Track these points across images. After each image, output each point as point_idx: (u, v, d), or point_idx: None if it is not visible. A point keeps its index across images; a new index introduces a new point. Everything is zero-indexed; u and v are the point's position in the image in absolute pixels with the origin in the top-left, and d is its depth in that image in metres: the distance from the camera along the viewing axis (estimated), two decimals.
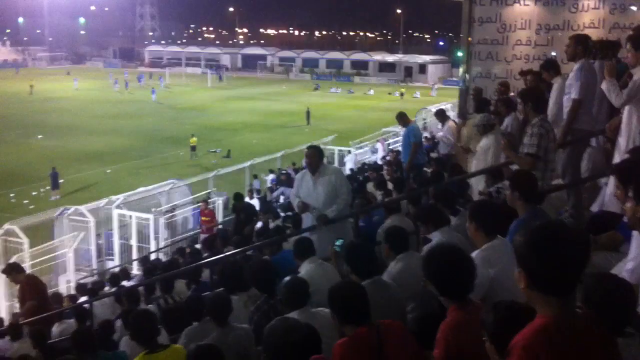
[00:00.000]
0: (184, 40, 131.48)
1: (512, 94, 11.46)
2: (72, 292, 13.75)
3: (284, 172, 24.95)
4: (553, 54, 12.96)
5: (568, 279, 2.45)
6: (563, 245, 2.41)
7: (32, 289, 9.89)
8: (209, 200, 19.34)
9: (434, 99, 55.93)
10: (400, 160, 14.51)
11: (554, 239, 2.44)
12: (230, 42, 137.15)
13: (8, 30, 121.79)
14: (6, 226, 15.98)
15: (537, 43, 13.56)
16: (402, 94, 71.85)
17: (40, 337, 7.98)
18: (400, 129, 17.51)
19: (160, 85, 75.63)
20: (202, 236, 16.25)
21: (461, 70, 14.75)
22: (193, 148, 36.31)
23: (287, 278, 5.38)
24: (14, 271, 10.23)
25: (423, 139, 27.25)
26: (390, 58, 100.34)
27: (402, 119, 13.08)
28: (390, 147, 29.02)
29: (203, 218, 17.94)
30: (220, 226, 17.20)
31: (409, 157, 12.26)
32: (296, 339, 3.42)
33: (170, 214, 18.48)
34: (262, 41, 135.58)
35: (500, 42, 13.96)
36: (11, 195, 27.69)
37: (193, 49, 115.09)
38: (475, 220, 4.64)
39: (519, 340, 2.45)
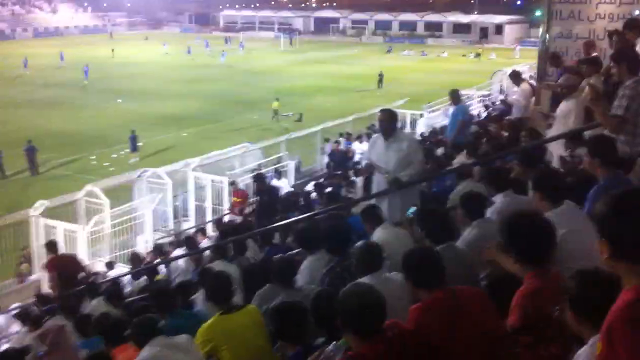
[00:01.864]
0: (257, 4, 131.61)
1: (595, 54, 10.98)
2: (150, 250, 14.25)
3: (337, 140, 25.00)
4: (637, 12, 12.31)
5: None
6: None
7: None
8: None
9: (512, 61, 54.26)
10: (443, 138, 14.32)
11: (639, 205, 2.31)
12: (303, 5, 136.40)
13: None
14: (87, 187, 16.54)
15: (622, 1, 12.87)
16: (478, 55, 70.18)
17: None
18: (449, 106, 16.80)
19: (240, 50, 76.57)
20: (231, 217, 15.76)
21: (540, 30, 14.17)
22: (275, 112, 36.66)
23: (360, 242, 5.39)
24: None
25: (497, 103, 26.68)
26: (465, 19, 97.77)
27: (454, 97, 13.00)
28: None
29: (234, 199, 17.18)
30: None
31: (454, 133, 12.11)
32: (370, 303, 3.42)
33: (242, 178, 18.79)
34: (334, 3, 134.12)
35: (583, 1, 13.34)
36: (92, 157, 28.74)
37: (266, 12, 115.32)
38: (539, 190, 4.52)
39: (619, 316, 2.34)
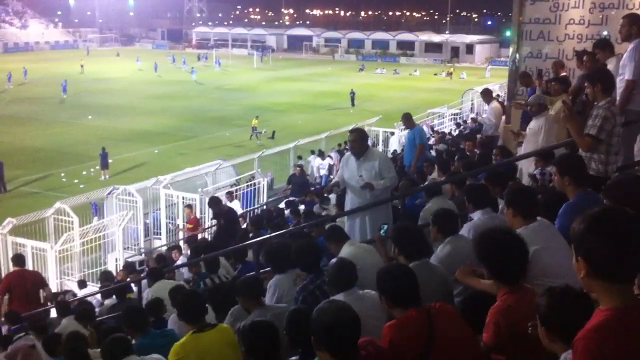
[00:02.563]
0: (230, 22, 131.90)
1: (564, 73, 11.17)
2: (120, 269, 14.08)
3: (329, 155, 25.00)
4: (605, 33, 12.55)
5: (632, 265, 2.34)
6: (627, 229, 2.32)
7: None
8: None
9: (483, 80, 55.04)
10: (403, 164, 13.81)
11: (617, 223, 2.34)
12: (276, 22, 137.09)
13: (59, 12, 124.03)
14: (57, 205, 16.36)
15: (590, 22, 13.11)
16: (450, 74, 71.01)
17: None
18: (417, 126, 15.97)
19: (217, 67, 76.87)
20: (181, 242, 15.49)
21: (511, 50, 14.38)
22: (254, 129, 36.60)
23: (334, 259, 5.38)
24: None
25: (469, 121, 27.00)
26: (436, 38, 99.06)
27: (407, 121, 12.82)
28: (435, 128, 28.74)
29: (188, 225, 16.42)
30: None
31: (415, 159, 11.91)
32: (345, 321, 3.40)
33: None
34: (307, 22, 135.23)
35: (552, 22, 13.55)
36: (62, 174, 28.37)
37: (239, 30, 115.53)
38: (512, 206, 4.56)
39: (584, 335, 2.36)
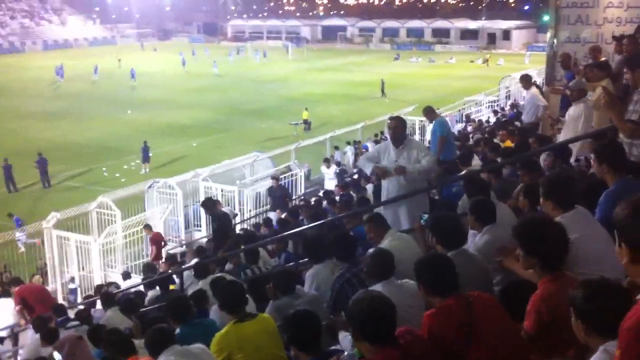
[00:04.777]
0: (265, 14, 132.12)
1: (603, 58, 10.96)
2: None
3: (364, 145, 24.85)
4: None
5: None
6: None
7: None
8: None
9: (520, 66, 54.20)
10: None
11: None
12: (311, 13, 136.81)
13: (97, 8, 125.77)
14: (100, 199, 16.69)
15: (629, 5, 12.84)
16: (486, 61, 70.10)
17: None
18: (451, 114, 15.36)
19: (256, 59, 77.24)
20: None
21: (548, 35, 14.15)
22: (306, 122, 36.71)
23: (372, 250, 5.42)
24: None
25: (507, 109, 26.65)
26: (472, 25, 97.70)
27: (429, 114, 12.67)
28: (472, 117, 28.43)
29: (153, 246, 15.81)
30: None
31: (437, 151, 11.72)
32: (382, 311, 3.43)
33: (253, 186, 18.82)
34: (341, 11, 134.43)
35: (590, 5, 13.31)
36: (104, 168, 28.88)
37: (274, 21, 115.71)
38: (550, 197, 4.50)
39: (631, 324, 2.35)
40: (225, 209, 14.46)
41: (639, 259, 2.36)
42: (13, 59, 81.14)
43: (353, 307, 3.52)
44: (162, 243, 15.93)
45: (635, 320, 2.35)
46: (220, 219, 12.23)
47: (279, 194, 18.11)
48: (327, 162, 22.44)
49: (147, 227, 15.98)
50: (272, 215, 15.77)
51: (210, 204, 12.63)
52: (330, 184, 20.55)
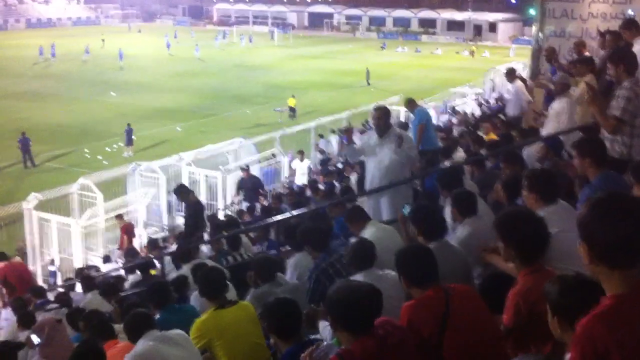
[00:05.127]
0: None
1: (587, 53, 11.04)
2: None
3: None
4: (630, 12, 12.39)
5: (634, 250, 2.31)
6: (629, 214, 2.31)
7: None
8: None
9: (506, 59, 54.34)
10: None
11: (619, 208, 2.33)
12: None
13: None
14: (81, 180, 16.55)
15: (615, 1, 12.96)
16: (472, 52, 70.23)
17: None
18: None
19: (242, 44, 76.75)
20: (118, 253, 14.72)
21: (534, 28, 14.23)
22: (291, 109, 36.50)
23: (354, 239, 5.44)
24: None
25: (491, 101, 26.74)
26: (459, 16, 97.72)
27: (410, 105, 12.79)
28: (457, 108, 28.49)
29: (124, 236, 15.60)
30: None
31: (417, 140, 11.74)
32: (361, 300, 3.44)
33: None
34: None
35: (576, 0, 13.42)
36: (86, 151, 28.64)
37: (260, 6, 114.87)
38: (532, 189, 4.55)
39: (586, 321, 2.37)
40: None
41: (598, 259, 2.37)
42: None
43: (332, 296, 3.52)
44: (133, 234, 15.76)
45: (589, 317, 2.38)
46: (192, 208, 11.81)
47: (250, 185, 17.53)
48: (302, 154, 20.71)
49: (119, 216, 15.81)
50: (244, 207, 15.53)
51: (183, 191, 12.10)
52: (302, 179, 19.43)
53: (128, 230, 15.60)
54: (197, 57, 61.90)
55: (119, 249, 15.29)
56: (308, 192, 14.84)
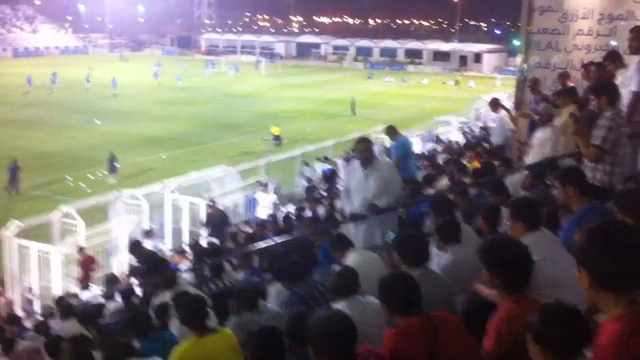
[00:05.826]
0: (239, 29, 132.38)
1: (571, 84, 11.16)
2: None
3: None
4: (614, 43, 12.55)
5: (638, 275, 2.35)
6: (630, 241, 2.34)
7: None
8: None
9: (491, 89, 54.93)
10: None
11: (619, 235, 2.36)
12: (285, 30, 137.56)
13: (70, 18, 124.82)
14: (62, 208, 16.46)
15: (599, 33, 13.11)
16: (457, 82, 70.99)
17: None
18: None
19: (230, 73, 77.25)
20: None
21: (519, 59, 14.39)
22: (276, 137, 36.57)
23: (337, 266, 5.39)
24: None
25: (476, 130, 26.91)
26: (445, 47, 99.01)
27: (391, 132, 12.69)
28: (442, 137, 28.64)
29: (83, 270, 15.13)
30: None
31: None
32: (340, 328, 3.42)
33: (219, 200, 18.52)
34: (316, 29, 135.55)
35: (560, 32, 13.56)
36: (70, 178, 28.45)
37: (248, 36, 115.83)
38: (516, 217, 4.56)
39: (607, 344, 2.37)
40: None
41: (600, 286, 2.38)
42: None
43: (312, 326, 3.49)
44: (93, 267, 15.28)
45: (608, 337, 2.37)
46: (147, 260, 11.58)
47: (217, 221, 16.78)
48: (265, 187, 19.75)
49: (80, 250, 15.28)
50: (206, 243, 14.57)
51: (135, 248, 12.14)
52: (263, 212, 18.48)
53: (86, 264, 15.09)
54: (180, 86, 62.03)
55: (81, 282, 14.82)
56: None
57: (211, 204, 17.52)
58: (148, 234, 11.95)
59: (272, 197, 19.42)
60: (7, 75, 67.49)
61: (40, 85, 58.45)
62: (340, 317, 3.53)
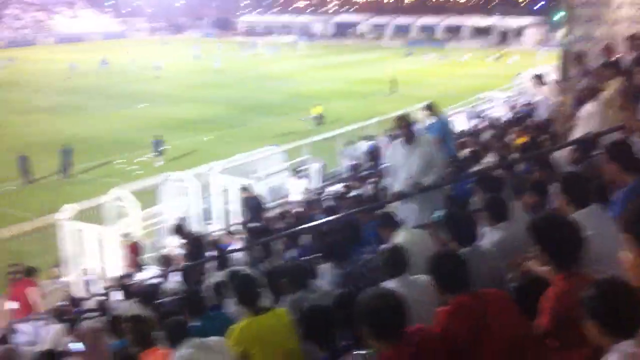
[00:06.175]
0: (276, 9, 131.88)
1: (615, 56, 10.97)
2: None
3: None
4: None
5: None
6: None
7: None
8: None
9: (534, 63, 53.90)
10: None
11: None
12: (322, 9, 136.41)
13: (109, 2, 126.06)
14: (115, 190, 16.81)
15: None
16: (498, 58, 69.80)
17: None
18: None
19: (267, 54, 77.33)
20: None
21: (561, 33, 14.15)
22: (317, 117, 36.63)
23: (385, 245, 5.48)
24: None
25: (519, 106, 26.51)
26: (484, 22, 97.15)
27: (430, 111, 12.44)
28: (485, 113, 28.36)
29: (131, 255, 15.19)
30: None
31: None
32: (389, 307, 3.47)
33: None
34: (353, 8, 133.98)
35: (604, 3, 13.32)
36: (117, 162, 29.06)
37: (285, 17, 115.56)
38: (566, 193, 4.55)
39: None
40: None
41: None
42: (25, 52, 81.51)
43: (361, 304, 3.54)
44: (138, 252, 15.42)
45: None
46: (192, 242, 11.73)
47: (252, 205, 16.84)
48: (297, 174, 19.44)
49: (126, 235, 15.51)
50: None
51: (180, 228, 12.46)
52: (298, 199, 18.07)
53: (133, 250, 15.37)
54: (218, 68, 62.42)
55: (128, 267, 14.91)
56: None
57: (245, 187, 17.58)
58: (179, 229, 12.18)
59: (303, 183, 19.32)
60: (49, 61, 68.86)
61: (83, 70, 59.45)
62: (390, 295, 3.57)
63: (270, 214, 15.80)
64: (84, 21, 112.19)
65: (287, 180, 19.67)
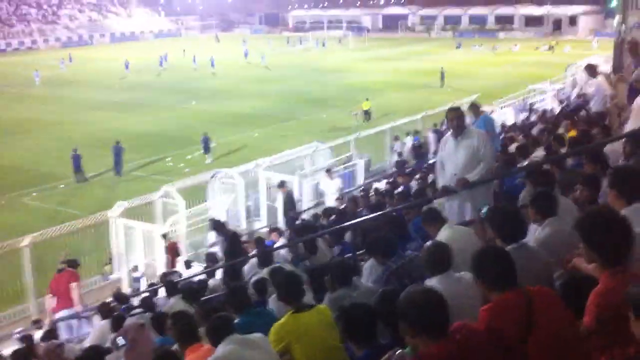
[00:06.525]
0: (326, 4, 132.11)
1: None
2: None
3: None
4: None
5: None
6: None
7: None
8: None
9: (588, 52, 52.57)
10: None
11: None
12: (371, 2, 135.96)
13: (162, 1, 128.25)
14: (164, 188, 17.08)
15: None
16: (551, 47, 68.35)
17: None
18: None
19: (317, 49, 78.27)
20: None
21: (616, 20, 13.71)
22: (366, 112, 36.61)
23: (429, 242, 5.39)
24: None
25: (573, 97, 25.87)
26: (537, 10, 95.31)
27: (473, 110, 12.18)
28: (536, 106, 27.78)
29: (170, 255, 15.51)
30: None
31: None
32: (434, 302, 3.42)
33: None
34: (402, 0, 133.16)
35: None
36: (168, 159, 29.53)
37: (334, 11, 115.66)
38: (616, 187, 4.39)
39: None
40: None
41: None
42: (82, 51, 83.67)
43: (405, 301, 3.50)
44: (178, 252, 15.80)
45: None
46: (229, 238, 11.97)
47: (288, 201, 17.20)
48: (329, 173, 18.88)
49: (164, 236, 15.67)
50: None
51: (218, 225, 12.58)
52: (330, 199, 17.67)
53: (172, 249, 15.60)
54: (265, 64, 62.83)
55: (167, 267, 15.22)
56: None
57: (281, 184, 17.64)
58: (217, 226, 12.38)
59: (337, 183, 18.93)
60: (105, 60, 70.56)
61: (137, 69, 60.67)
62: (432, 293, 3.51)
63: (313, 211, 15.81)
64: (137, 20, 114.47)
65: (321, 180, 19.34)
